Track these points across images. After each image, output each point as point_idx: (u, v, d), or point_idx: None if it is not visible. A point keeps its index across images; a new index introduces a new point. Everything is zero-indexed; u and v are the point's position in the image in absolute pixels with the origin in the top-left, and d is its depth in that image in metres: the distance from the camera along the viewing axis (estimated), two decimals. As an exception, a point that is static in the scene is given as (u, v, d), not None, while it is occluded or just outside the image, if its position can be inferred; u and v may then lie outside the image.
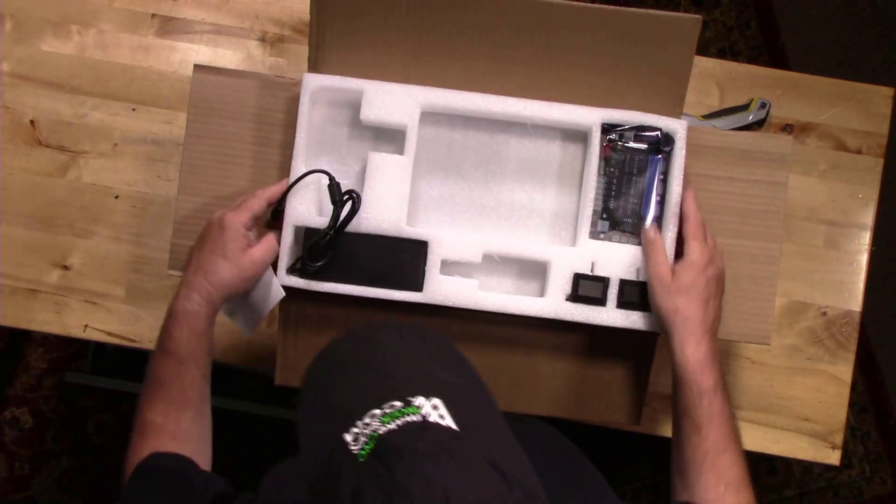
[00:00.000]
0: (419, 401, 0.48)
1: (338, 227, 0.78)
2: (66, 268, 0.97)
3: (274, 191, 0.79)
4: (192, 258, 0.76)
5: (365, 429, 0.47)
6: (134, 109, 0.99)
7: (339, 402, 0.51)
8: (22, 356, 1.69)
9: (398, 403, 0.48)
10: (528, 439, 0.70)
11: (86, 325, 0.97)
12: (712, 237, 0.80)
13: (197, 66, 0.84)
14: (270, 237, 0.78)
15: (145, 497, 0.68)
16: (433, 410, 0.48)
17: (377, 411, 0.48)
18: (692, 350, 0.74)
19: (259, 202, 0.77)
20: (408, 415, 0.47)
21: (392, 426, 0.46)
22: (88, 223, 0.97)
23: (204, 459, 0.75)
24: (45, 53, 0.99)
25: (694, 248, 0.77)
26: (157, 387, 0.74)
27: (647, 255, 0.80)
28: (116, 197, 0.98)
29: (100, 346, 1.67)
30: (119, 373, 1.67)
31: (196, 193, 0.84)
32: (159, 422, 0.73)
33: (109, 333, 0.97)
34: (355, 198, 0.78)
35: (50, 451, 1.69)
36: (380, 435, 0.46)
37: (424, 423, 0.47)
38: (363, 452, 0.46)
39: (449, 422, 0.48)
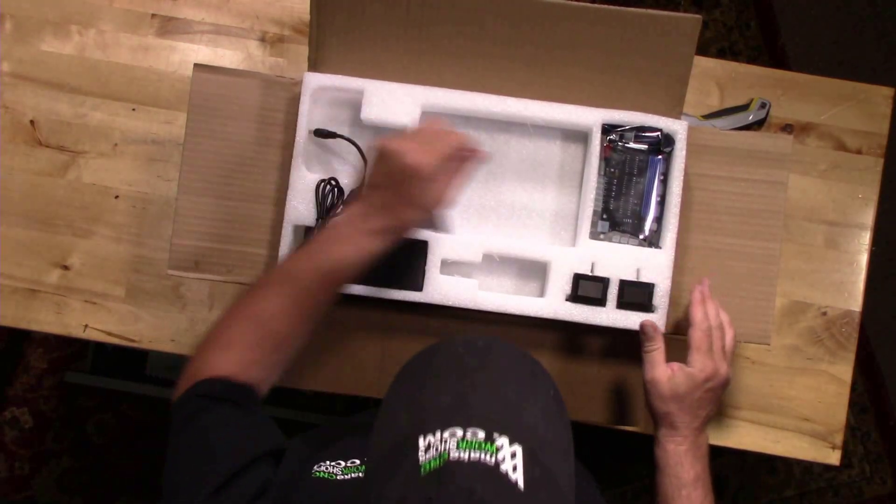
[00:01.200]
0: (501, 441, 0.47)
1: (326, 213, 0.79)
2: (66, 268, 0.97)
3: (461, 139, 0.71)
4: (380, 189, 0.70)
5: (441, 444, 0.46)
6: (134, 109, 0.99)
7: (430, 402, 0.50)
8: (22, 356, 1.69)
9: (481, 434, 0.47)
10: None
11: (86, 325, 0.97)
12: (721, 340, 0.78)
13: (197, 66, 0.84)
14: (457, 178, 0.72)
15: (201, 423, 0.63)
16: (510, 458, 0.46)
17: (459, 432, 0.47)
18: (674, 447, 0.76)
19: (448, 147, 0.70)
20: (485, 451, 0.46)
21: (464, 456, 0.45)
22: (88, 223, 0.97)
23: (287, 363, 0.71)
24: (45, 53, 0.99)
25: (696, 361, 0.76)
26: (291, 284, 0.69)
27: (644, 352, 0.78)
28: (116, 197, 0.98)
29: (100, 346, 1.67)
30: (119, 373, 1.66)
31: (196, 193, 0.84)
32: (276, 321, 0.68)
33: (109, 333, 0.97)
34: (334, 185, 0.80)
35: (50, 451, 1.69)
36: (449, 458, 0.45)
37: (495, 470, 0.45)
38: (427, 466, 0.46)
39: (519, 476, 0.46)
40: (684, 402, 0.76)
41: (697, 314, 0.78)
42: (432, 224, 0.73)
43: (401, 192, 0.69)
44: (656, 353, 0.78)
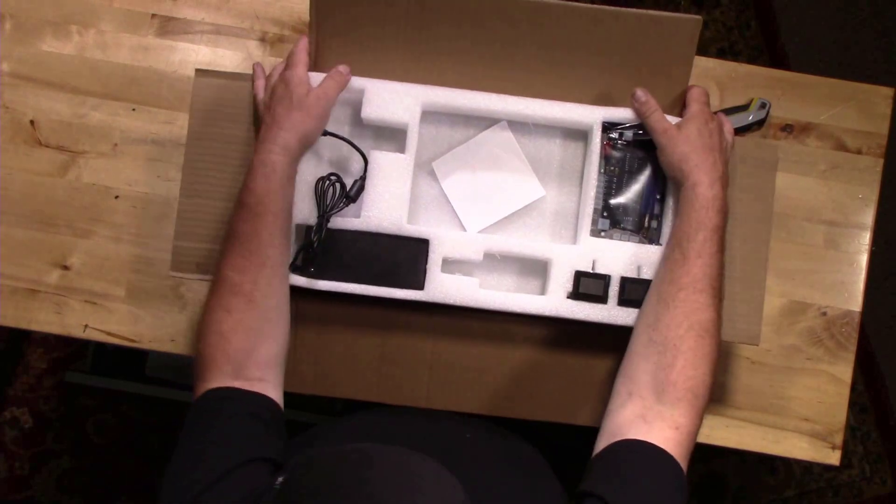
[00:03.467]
0: None
1: (327, 212, 0.79)
2: (66, 268, 0.97)
3: (303, 43, 0.82)
4: (265, 119, 0.78)
5: None
6: (134, 109, 0.99)
7: None
8: (22, 356, 1.69)
9: None
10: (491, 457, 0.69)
11: (86, 325, 0.97)
12: (725, 120, 0.82)
13: (198, 71, 0.85)
14: (333, 72, 0.80)
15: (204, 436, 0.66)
16: None
17: None
18: (703, 189, 0.75)
19: (304, 53, 0.81)
20: None
21: None
22: (88, 223, 0.97)
23: (280, 325, 0.75)
24: (45, 53, 0.99)
25: (694, 107, 0.79)
26: (234, 241, 0.74)
27: (644, 115, 0.80)
28: (116, 197, 0.98)
29: (100, 346, 1.67)
30: (119, 373, 1.66)
31: (197, 195, 0.84)
32: (235, 279, 0.72)
33: (109, 333, 0.97)
34: (334, 180, 0.80)
35: (50, 451, 1.69)
36: None
37: None
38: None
39: None
40: (697, 143, 0.77)
41: (696, 89, 0.82)
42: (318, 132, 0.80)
43: (275, 103, 0.78)
44: (657, 113, 0.79)
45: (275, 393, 0.73)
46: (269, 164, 0.74)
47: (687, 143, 0.77)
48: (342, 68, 0.81)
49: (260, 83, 0.83)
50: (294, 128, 0.76)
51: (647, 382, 0.71)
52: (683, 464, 0.67)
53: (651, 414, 0.69)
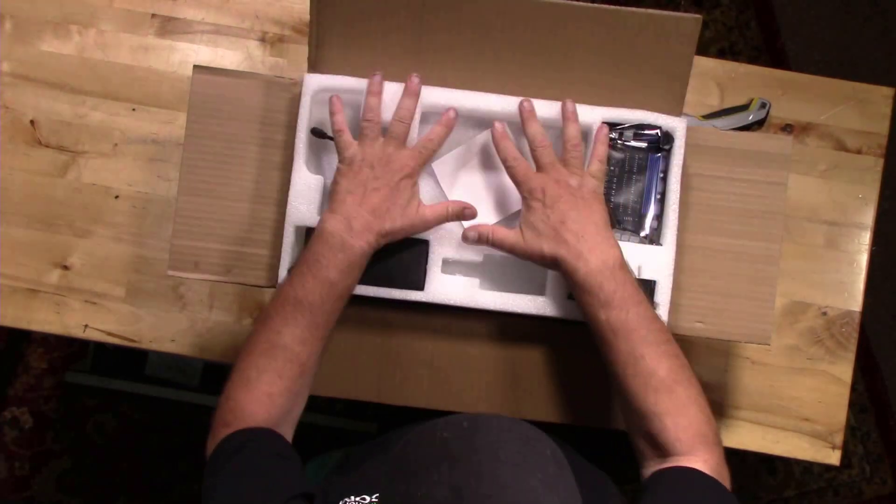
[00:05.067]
0: None
1: None
2: (66, 268, 0.97)
3: (410, 110, 0.76)
4: (358, 188, 0.73)
5: None
6: (134, 109, 0.99)
7: (427, 498, 0.49)
8: (22, 356, 1.69)
9: None
10: None
11: (86, 325, 0.97)
12: (550, 154, 0.76)
13: (196, 67, 0.84)
14: (444, 203, 0.77)
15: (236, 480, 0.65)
16: None
17: None
18: (581, 276, 0.71)
19: (435, 144, 0.76)
20: None
21: None
22: (88, 223, 0.97)
23: (307, 395, 0.74)
24: (45, 53, 0.99)
25: (523, 192, 0.75)
26: (306, 313, 0.71)
27: (489, 235, 0.77)
28: (116, 197, 0.98)
29: (100, 346, 1.67)
30: (119, 373, 1.66)
31: (196, 194, 0.84)
32: (297, 349, 0.70)
33: (109, 333, 0.97)
34: None
35: (50, 451, 1.69)
36: None
37: None
38: None
39: None
40: (544, 235, 0.72)
41: (500, 149, 0.76)
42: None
43: (382, 183, 0.73)
44: (500, 231, 0.76)
45: (289, 441, 0.73)
46: (359, 253, 0.72)
47: (533, 243, 0.73)
48: (457, 205, 0.77)
49: (340, 118, 0.77)
50: (387, 234, 0.73)
51: (653, 453, 0.70)
52: (726, 484, 0.67)
53: (673, 462, 0.68)
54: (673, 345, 0.71)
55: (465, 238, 0.77)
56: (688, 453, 0.68)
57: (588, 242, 0.72)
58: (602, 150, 0.77)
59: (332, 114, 0.77)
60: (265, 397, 0.70)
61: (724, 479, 0.67)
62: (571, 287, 0.74)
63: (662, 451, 0.69)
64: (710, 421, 0.70)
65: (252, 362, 0.71)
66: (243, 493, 0.63)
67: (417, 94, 0.77)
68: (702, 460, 0.67)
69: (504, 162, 0.77)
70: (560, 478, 0.51)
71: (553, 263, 0.74)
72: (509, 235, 0.75)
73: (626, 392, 0.71)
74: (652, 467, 0.70)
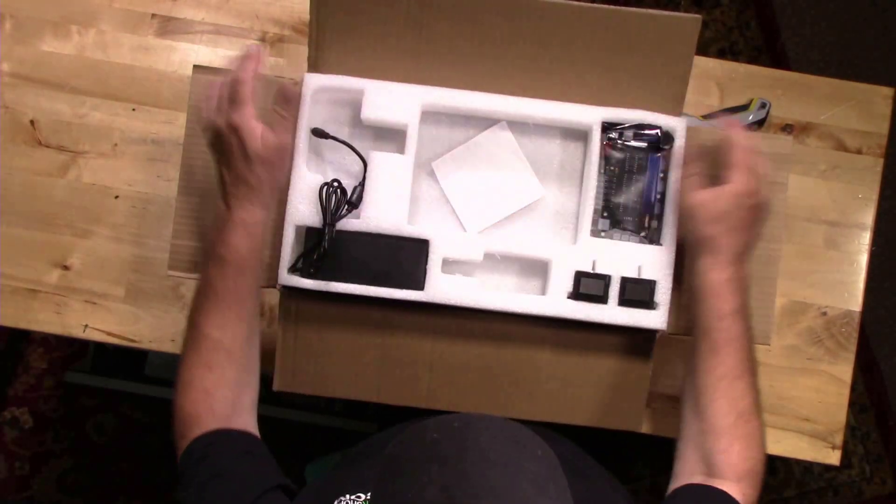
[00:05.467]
0: None
1: (332, 219, 0.79)
2: (66, 268, 0.97)
3: (250, 65, 0.74)
4: (224, 173, 0.74)
5: None
6: (134, 109, 0.99)
7: (417, 498, 0.49)
8: (22, 356, 1.69)
9: None
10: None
11: (86, 325, 0.97)
12: (766, 164, 0.76)
13: (196, 67, 0.84)
14: (279, 118, 0.76)
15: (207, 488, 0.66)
16: None
17: None
18: (716, 275, 0.73)
19: (248, 86, 0.74)
20: None
21: None
22: (88, 223, 0.97)
23: (257, 372, 0.75)
24: (45, 53, 0.99)
25: (739, 178, 0.73)
26: (212, 297, 0.72)
27: (684, 177, 0.78)
28: (116, 197, 0.98)
29: (100, 346, 1.67)
30: (119, 373, 1.66)
31: (195, 194, 0.84)
32: (216, 335, 0.71)
33: (109, 333, 0.97)
34: (336, 186, 0.79)
35: (50, 451, 1.69)
36: None
37: None
38: None
39: None
40: (729, 223, 0.73)
41: (738, 133, 0.75)
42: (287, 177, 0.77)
43: (233, 155, 0.73)
44: (696, 177, 0.77)
45: (256, 435, 0.73)
46: (250, 223, 0.73)
47: (717, 222, 0.74)
48: (287, 92, 0.77)
49: (208, 104, 0.77)
50: (263, 185, 0.74)
51: (707, 468, 0.71)
52: None
53: (715, 482, 0.69)
54: (758, 381, 0.74)
55: (686, 151, 0.78)
56: (734, 481, 0.69)
57: (744, 255, 0.74)
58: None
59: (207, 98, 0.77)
60: (202, 395, 0.70)
61: None
62: (699, 283, 0.75)
63: (713, 470, 0.70)
64: (765, 463, 0.71)
65: (184, 364, 0.72)
66: (215, 498, 0.63)
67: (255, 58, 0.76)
68: (742, 493, 0.68)
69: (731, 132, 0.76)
70: (550, 479, 0.51)
71: (699, 247, 0.75)
72: (701, 192, 0.75)
73: (707, 404, 0.72)
74: (691, 479, 0.70)
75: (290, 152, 0.77)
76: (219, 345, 0.71)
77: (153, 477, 1.68)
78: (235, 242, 0.72)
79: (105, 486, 1.69)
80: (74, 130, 0.99)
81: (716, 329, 0.72)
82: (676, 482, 0.72)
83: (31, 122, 0.99)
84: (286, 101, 0.77)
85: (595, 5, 0.82)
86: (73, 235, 0.97)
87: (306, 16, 0.82)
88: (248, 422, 0.73)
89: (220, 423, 0.70)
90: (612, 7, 0.81)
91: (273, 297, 0.90)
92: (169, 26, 1.00)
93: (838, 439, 0.96)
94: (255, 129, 0.73)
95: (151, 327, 0.96)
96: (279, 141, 0.75)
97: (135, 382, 1.65)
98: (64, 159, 0.98)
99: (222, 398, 0.71)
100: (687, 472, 0.72)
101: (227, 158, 0.74)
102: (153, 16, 1.00)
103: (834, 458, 0.96)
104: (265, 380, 0.79)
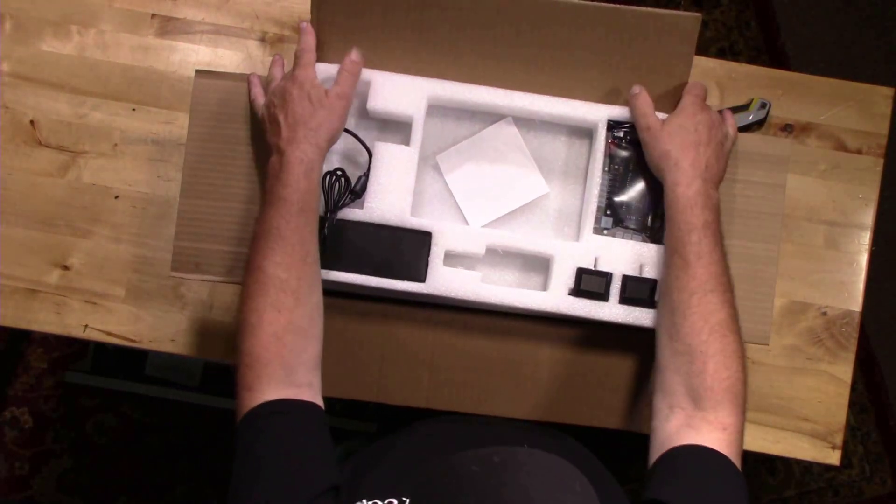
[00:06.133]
0: None
1: (335, 206, 0.79)
2: (66, 268, 0.97)
3: (308, 39, 0.81)
4: (280, 120, 0.76)
5: None
6: (134, 109, 0.99)
7: None
8: (22, 356, 1.69)
9: None
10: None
11: (86, 325, 0.97)
12: (727, 114, 0.82)
13: (198, 72, 0.85)
14: (347, 63, 0.80)
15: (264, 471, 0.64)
16: None
17: None
18: (683, 189, 0.74)
19: (311, 54, 0.80)
20: None
21: None
22: (88, 223, 0.97)
23: (321, 324, 0.73)
24: (45, 53, 0.99)
25: (684, 101, 0.79)
26: (276, 238, 0.71)
27: (633, 108, 0.80)
28: (116, 197, 0.98)
29: (100, 346, 1.67)
30: (119, 373, 1.66)
31: (198, 196, 0.84)
32: (283, 276, 0.70)
33: (109, 333, 0.97)
34: (339, 175, 0.79)
35: (50, 451, 1.69)
36: None
37: None
38: None
39: None
40: (679, 137, 0.76)
41: (696, 84, 0.81)
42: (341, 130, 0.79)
43: (292, 102, 0.76)
44: (644, 104, 0.79)
45: (319, 398, 0.71)
46: (306, 161, 0.74)
47: (669, 140, 0.77)
48: (354, 56, 0.80)
49: (257, 91, 0.83)
50: (322, 126, 0.76)
51: (684, 393, 0.71)
52: (737, 461, 0.68)
53: (696, 421, 0.69)
54: (734, 299, 0.73)
55: (632, 89, 0.81)
56: (713, 409, 0.69)
57: (708, 173, 0.75)
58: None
59: (250, 88, 0.84)
60: (272, 340, 0.69)
61: (738, 448, 0.69)
62: (668, 201, 0.76)
63: (692, 395, 0.69)
64: (744, 381, 0.71)
65: (249, 306, 0.70)
66: (268, 487, 0.61)
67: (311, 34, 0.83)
68: (721, 426, 0.68)
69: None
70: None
71: (663, 167, 0.77)
72: (650, 118, 0.79)
73: (681, 322, 0.72)
74: (670, 421, 0.70)
75: (349, 104, 0.79)
76: (286, 285, 0.70)
77: (153, 477, 1.68)
78: (294, 182, 0.73)
79: (105, 486, 1.69)
80: (74, 130, 0.99)
81: (685, 244, 0.73)
82: (657, 434, 0.72)
83: (31, 122, 0.99)
84: (351, 61, 0.80)
85: (595, 4, 0.82)
86: (73, 235, 0.97)
87: (306, 16, 0.82)
88: (312, 379, 0.71)
89: (286, 378, 0.68)
90: (612, 6, 0.81)
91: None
92: (169, 26, 1.00)
93: (838, 439, 0.96)
94: (316, 81, 0.78)
95: (151, 327, 0.96)
96: (341, 89, 0.78)
97: (135, 382, 1.65)
98: (64, 159, 0.98)
99: (291, 345, 0.69)
100: (664, 406, 0.72)
101: (288, 104, 0.76)
102: (153, 16, 1.00)
103: (834, 458, 0.96)
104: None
